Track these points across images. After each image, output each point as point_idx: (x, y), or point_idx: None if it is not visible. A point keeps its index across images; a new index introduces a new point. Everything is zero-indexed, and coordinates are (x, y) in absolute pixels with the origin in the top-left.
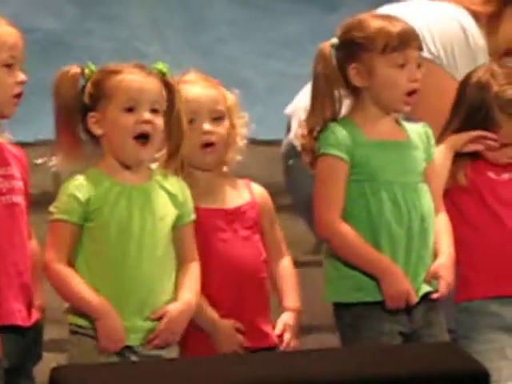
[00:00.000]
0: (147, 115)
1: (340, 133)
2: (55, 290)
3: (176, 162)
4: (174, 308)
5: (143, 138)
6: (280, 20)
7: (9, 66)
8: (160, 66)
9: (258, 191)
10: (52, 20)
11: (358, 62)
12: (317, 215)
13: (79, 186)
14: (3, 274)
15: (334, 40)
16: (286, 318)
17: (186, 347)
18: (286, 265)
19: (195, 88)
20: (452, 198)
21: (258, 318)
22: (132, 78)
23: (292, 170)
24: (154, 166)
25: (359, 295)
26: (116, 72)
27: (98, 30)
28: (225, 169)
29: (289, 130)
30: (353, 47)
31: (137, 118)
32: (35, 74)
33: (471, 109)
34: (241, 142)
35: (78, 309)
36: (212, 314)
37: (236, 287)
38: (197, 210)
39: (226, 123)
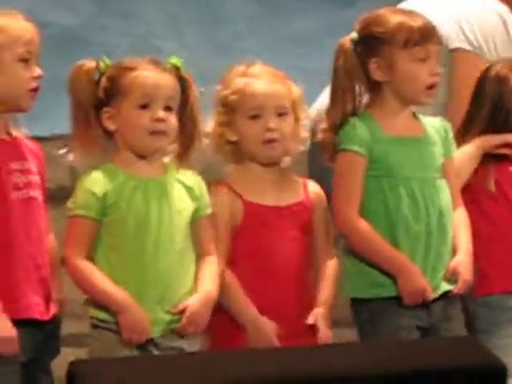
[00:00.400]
0: (161, 113)
1: (360, 128)
2: (76, 285)
3: (189, 158)
4: (194, 302)
5: (159, 133)
6: (297, 16)
7: (25, 60)
8: (174, 60)
9: (314, 190)
10: (68, 15)
11: (379, 57)
12: (335, 210)
13: (96, 181)
14: (21, 268)
15: (354, 35)
16: (318, 311)
17: (215, 339)
18: (331, 265)
19: (261, 83)
20: (471, 193)
21: (299, 318)
22: (147, 74)
23: (319, 167)
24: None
25: (377, 291)
26: (131, 68)
27: (115, 26)
28: (286, 161)
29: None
30: (372, 42)
31: (151, 115)
32: (51, 69)
33: (493, 108)
34: (303, 134)
35: (99, 302)
36: (254, 312)
37: (277, 286)
38: (249, 204)
39: (291, 118)
